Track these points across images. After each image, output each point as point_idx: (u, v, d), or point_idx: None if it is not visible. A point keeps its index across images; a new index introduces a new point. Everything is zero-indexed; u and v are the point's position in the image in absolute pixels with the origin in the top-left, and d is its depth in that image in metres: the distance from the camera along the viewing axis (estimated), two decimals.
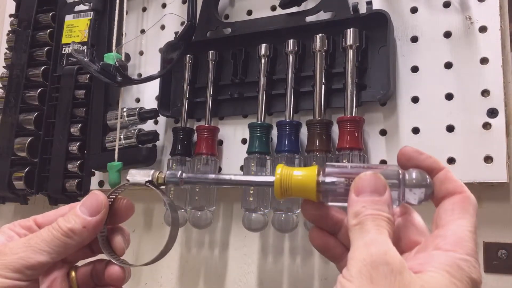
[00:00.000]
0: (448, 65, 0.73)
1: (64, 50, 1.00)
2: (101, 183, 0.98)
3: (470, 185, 0.66)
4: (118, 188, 0.53)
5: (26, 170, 0.96)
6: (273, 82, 0.83)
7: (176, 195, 0.83)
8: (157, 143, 0.93)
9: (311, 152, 0.74)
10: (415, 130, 0.74)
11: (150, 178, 0.52)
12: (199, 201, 0.81)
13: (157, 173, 0.52)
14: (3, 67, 1.07)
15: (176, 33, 0.90)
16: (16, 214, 1.12)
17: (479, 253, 0.68)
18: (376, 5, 0.78)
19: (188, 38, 0.86)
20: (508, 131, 0.68)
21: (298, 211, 0.75)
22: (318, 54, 0.77)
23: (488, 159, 0.68)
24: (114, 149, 0.87)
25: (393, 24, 0.76)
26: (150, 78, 0.86)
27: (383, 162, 0.75)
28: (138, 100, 0.99)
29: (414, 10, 0.77)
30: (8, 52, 1.06)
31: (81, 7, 1.01)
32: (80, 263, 0.55)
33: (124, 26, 0.94)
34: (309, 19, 0.81)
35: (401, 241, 0.45)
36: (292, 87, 0.78)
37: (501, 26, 0.71)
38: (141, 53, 1.01)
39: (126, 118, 0.90)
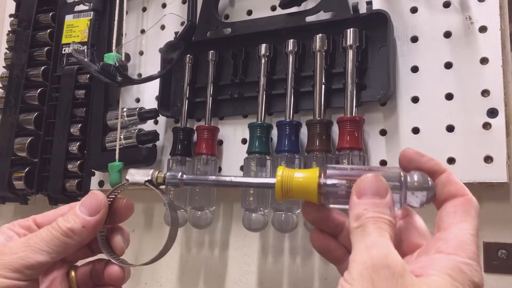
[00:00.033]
0: (448, 65, 0.73)
1: (64, 50, 1.00)
2: (101, 183, 0.98)
3: (470, 185, 0.66)
4: (117, 188, 0.53)
5: (26, 170, 0.96)
6: (273, 82, 0.83)
7: (176, 195, 0.83)
8: (157, 143, 0.93)
9: (311, 152, 0.74)
10: (415, 130, 0.74)
11: (149, 178, 0.52)
12: (199, 201, 0.81)
13: (157, 173, 0.52)
14: (3, 67, 1.07)
15: (176, 33, 0.90)
16: (16, 214, 1.12)
17: (479, 253, 0.68)
18: (376, 5, 0.78)
19: (188, 38, 0.86)
20: (508, 131, 0.68)
21: (298, 211, 0.75)
22: (318, 54, 0.77)
23: (488, 159, 0.68)
24: (114, 149, 0.87)
25: (393, 24, 0.76)
26: (150, 78, 0.86)
27: (383, 162, 0.75)
28: (138, 100, 0.99)
29: (414, 10, 0.77)
30: (8, 52, 1.06)
31: (81, 7, 1.01)
32: (79, 262, 0.55)
33: (124, 26, 0.94)
34: (309, 19, 0.81)
35: (403, 243, 0.45)
36: (292, 87, 0.78)
37: (501, 26, 0.71)
38: (141, 53, 1.01)
39: (126, 118, 0.90)
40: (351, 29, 0.75)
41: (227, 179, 0.52)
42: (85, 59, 0.82)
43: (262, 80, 0.81)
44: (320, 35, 0.77)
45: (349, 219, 0.42)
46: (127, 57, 0.99)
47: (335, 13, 0.79)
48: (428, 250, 0.41)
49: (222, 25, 0.89)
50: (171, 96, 0.93)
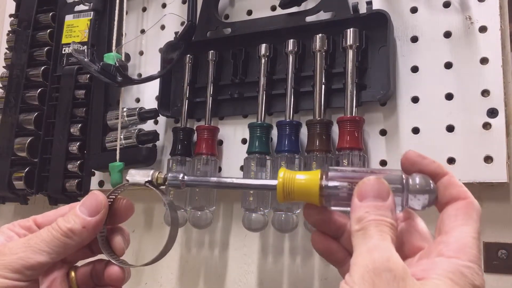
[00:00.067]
0: (448, 65, 0.73)
1: (64, 50, 1.00)
2: (101, 183, 0.98)
3: (470, 185, 0.66)
4: (117, 188, 0.53)
5: (26, 170, 0.96)
6: (273, 82, 0.83)
7: (176, 195, 0.83)
8: (157, 143, 0.93)
9: (311, 152, 0.74)
10: (415, 130, 0.74)
11: (149, 178, 0.52)
12: (199, 201, 0.81)
13: (157, 173, 0.52)
14: (3, 67, 1.07)
15: (176, 33, 0.90)
16: (16, 214, 1.12)
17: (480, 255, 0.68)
18: (376, 5, 0.78)
19: (188, 38, 0.86)
20: (508, 131, 0.68)
21: (298, 211, 0.75)
22: (318, 54, 0.77)
23: (488, 159, 0.68)
24: (114, 149, 0.87)
25: (393, 24, 0.76)
26: (150, 78, 0.86)
27: (383, 162, 0.75)
28: (138, 100, 0.99)
29: (414, 10, 0.77)
30: (8, 52, 1.06)
31: (81, 7, 1.01)
32: (79, 263, 0.55)
33: (124, 26, 0.94)
34: (309, 19, 0.81)
35: (404, 246, 0.45)
36: (292, 87, 0.78)
37: (501, 26, 0.71)
38: (141, 53, 1.01)
39: (126, 118, 0.90)
40: (351, 29, 0.75)
41: (229, 180, 0.52)
42: (85, 59, 0.82)
43: (262, 80, 0.82)
44: (320, 35, 0.77)
45: (351, 222, 0.42)
46: (127, 57, 0.99)
47: (335, 13, 0.79)
48: (430, 253, 0.41)
49: (222, 25, 0.89)
50: (171, 96, 0.93)
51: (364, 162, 0.72)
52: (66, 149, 0.94)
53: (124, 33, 0.95)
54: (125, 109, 0.90)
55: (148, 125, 0.94)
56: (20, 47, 1.02)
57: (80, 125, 0.94)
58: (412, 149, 0.67)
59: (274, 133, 0.80)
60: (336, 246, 0.51)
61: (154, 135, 0.89)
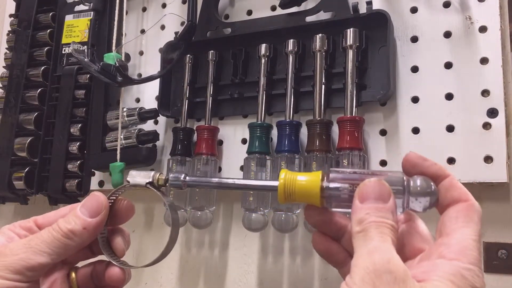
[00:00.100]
0: (448, 65, 0.73)
1: (64, 50, 1.00)
2: (101, 183, 0.98)
3: (470, 185, 0.67)
4: (118, 189, 0.53)
5: (26, 170, 0.95)
6: (273, 82, 0.83)
7: (176, 195, 0.83)
8: (157, 143, 0.93)
9: (311, 152, 0.74)
10: (415, 130, 0.74)
11: (150, 180, 0.52)
12: (199, 201, 0.81)
13: (158, 175, 0.53)
14: (3, 67, 1.07)
15: (176, 33, 0.90)
16: (16, 214, 1.12)
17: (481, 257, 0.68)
18: (376, 5, 0.78)
19: (188, 38, 0.86)
20: (508, 131, 0.68)
21: (298, 211, 0.75)
22: (318, 54, 0.77)
23: (488, 159, 0.68)
24: (114, 149, 0.87)
25: (393, 24, 0.76)
26: (150, 78, 0.86)
27: (383, 162, 0.75)
28: (138, 100, 0.99)
29: (414, 10, 0.77)
30: (8, 52, 1.06)
31: (81, 7, 1.01)
32: (80, 264, 0.55)
33: (124, 26, 0.94)
34: (309, 19, 0.81)
35: (405, 248, 0.45)
36: (292, 87, 0.78)
37: (501, 26, 0.71)
38: (141, 53, 1.01)
39: (126, 118, 0.90)
40: (351, 29, 0.75)
41: (230, 181, 0.52)
42: (85, 59, 0.82)
43: (262, 80, 0.82)
44: (320, 35, 0.77)
45: (352, 223, 0.42)
46: (127, 57, 0.99)
47: (335, 13, 0.79)
48: (430, 255, 0.41)
49: (222, 25, 0.89)
50: (171, 96, 0.93)
51: (364, 162, 0.72)
52: (66, 149, 0.94)
53: (124, 33, 0.94)
54: (125, 109, 0.90)
55: (148, 125, 0.94)
56: (20, 47, 1.02)
57: (80, 125, 0.94)
58: (412, 149, 0.67)
59: (274, 133, 0.80)
60: (336, 247, 0.51)
61: (154, 135, 0.89)
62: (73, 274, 0.53)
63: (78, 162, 0.93)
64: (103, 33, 0.95)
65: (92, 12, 0.96)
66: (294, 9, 0.83)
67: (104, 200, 0.51)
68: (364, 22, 0.76)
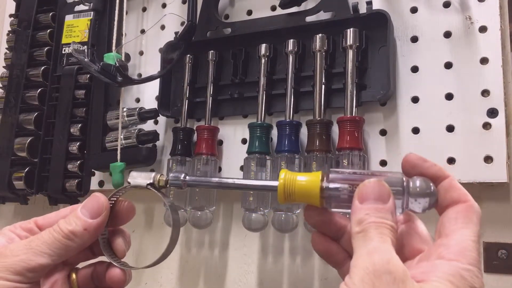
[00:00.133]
0: (448, 65, 0.73)
1: (64, 50, 1.00)
2: (101, 183, 0.98)
3: (470, 185, 0.67)
4: (119, 191, 0.54)
5: (26, 170, 0.95)
6: (273, 82, 0.83)
7: (176, 195, 0.83)
8: (157, 143, 0.93)
9: (311, 152, 0.74)
10: (415, 130, 0.74)
11: (151, 181, 0.52)
12: (199, 201, 0.82)
13: (158, 176, 0.53)
14: (3, 67, 1.07)
15: (176, 33, 0.90)
16: (16, 214, 1.12)
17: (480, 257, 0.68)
18: (376, 5, 0.78)
19: (188, 38, 0.86)
20: (508, 131, 0.68)
21: (298, 211, 0.75)
22: (318, 54, 0.77)
23: (488, 159, 0.68)
24: (114, 149, 0.87)
25: (393, 24, 0.76)
26: (150, 78, 0.86)
27: (383, 162, 0.75)
28: (138, 100, 0.99)
29: (414, 10, 0.77)
30: (8, 52, 1.06)
31: (81, 7, 1.01)
32: (80, 265, 0.55)
33: (124, 26, 0.94)
34: (309, 19, 0.81)
35: (404, 248, 0.45)
36: (292, 87, 0.78)
37: (501, 26, 0.71)
38: (141, 53, 1.01)
39: (126, 118, 0.90)
40: (351, 29, 0.75)
41: (230, 181, 0.52)
42: (85, 59, 0.82)
43: (262, 80, 0.82)
44: (320, 35, 0.77)
45: (351, 224, 0.42)
46: (127, 57, 0.99)
47: (335, 13, 0.79)
48: (430, 256, 0.41)
49: (222, 25, 0.89)
50: (171, 96, 0.93)
51: (364, 162, 0.72)
52: (66, 149, 0.94)
53: (124, 33, 0.94)
54: (125, 109, 0.90)
55: (148, 125, 0.94)
56: (20, 47, 1.02)
57: (80, 125, 0.94)
58: (412, 149, 0.68)
59: (274, 133, 0.80)
60: (336, 248, 0.51)
61: (154, 135, 0.89)
62: (74, 275, 0.53)
63: (78, 162, 0.93)
64: (103, 33, 0.95)
65: (92, 12, 0.96)
66: (294, 9, 0.83)
67: (105, 201, 0.51)
68: (364, 22, 0.76)
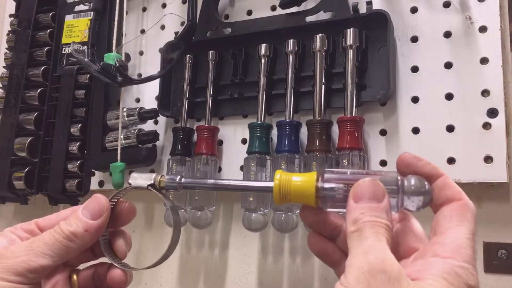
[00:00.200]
0: (448, 65, 0.73)
1: (64, 50, 1.00)
2: (101, 183, 0.98)
3: (470, 185, 0.67)
4: (120, 192, 0.54)
5: (26, 170, 0.96)
6: (273, 82, 0.83)
7: (176, 195, 0.83)
8: (157, 143, 0.93)
9: (311, 152, 0.74)
10: (415, 130, 0.74)
11: (152, 182, 0.52)
12: (199, 201, 0.82)
13: (159, 177, 0.53)
14: (3, 67, 1.07)
15: (176, 33, 0.90)
16: (16, 214, 1.12)
17: (479, 253, 0.68)
18: (376, 5, 0.78)
19: (188, 38, 0.86)
20: (508, 131, 0.69)
21: (298, 211, 0.75)
22: (318, 54, 0.77)
23: (488, 159, 0.68)
24: (114, 149, 0.88)
25: (393, 24, 0.76)
26: (150, 78, 0.86)
27: (383, 162, 0.75)
28: (138, 100, 0.99)
29: (414, 10, 0.77)
30: (8, 52, 1.06)
31: (81, 7, 1.01)
32: (81, 266, 0.55)
33: (124, 26, 0.94)
34: (309, 19, 0.81)
35: (400, 247, 0.45)
36: (292, 87, 0.79)
37: (501, 26, 0.71)
38: (141, 53, 1.01)
39: (126, 118, 0.90)
40: (351, 29, 0.75)
41: (226, 182, 0.53)
42: (85, 59, 0.82)
43: (262, 80, 0.82)
44: (320, 35, 0.77)
45: (346, 223, 0.42)
46: (127, 57, 0.99)
47: (335, 13, 0.79)
48: (425, 254, 0.41)
49: (222, 25, 0.89)
50: (171, 96, 0.93)
51: (364, 162, 0.72)
52: (66, 149, 0.94)
53: (124, 33, 0.95)
54: (125, 109, 0.90)
55: (148, 125, 0.94)
56: (20, 47, 1.02)
57: (80, 125, 0.94)
58: (412, 149, 0.68)
59: (274, 133, 0.80)
60: (332, 247, 0.51)
61: (154, 135, 0.89)
62: (75, 276, 0.53)
63: (78, 162, 0.94)
64: (103, 33, 0.95)
65: (92, 12, 0.96)
66: (294, 9, 0.83)
67: (105, 202, 0.51)
68: (364, 22, 0.76)
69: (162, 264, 0.53)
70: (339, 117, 0.74)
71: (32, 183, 0.96)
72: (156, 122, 0.95)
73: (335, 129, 0.76)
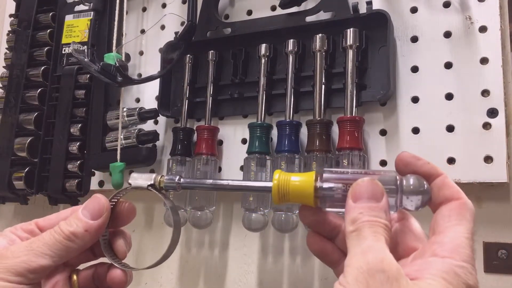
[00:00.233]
0: (448, 65, 0.73)
1: (64, 50, 1.00)
2: (101, 183, 0.98)
3: (470, 185, 0.67)
4: (120, 192, 0.54)
5: (26, 170, 0.96)
6: (273, 82, 0.83)
7: (176, 195, 0.83)
8: (157, 143, 0.93)
9: (311, 152, 0.74)
10: (415, 130, 0.74)
11: (152, 182, 0.52)
12: (199, 201, 0.82)
13: (159, 177, 0.53)
14: (3, 67, 1.07)
15: (176, 33, 0.90)
16: (16, 214, 1.12)
17: (479, 253, 0.68)
18: (376, 5, 0.78)
19: (188, 38, 0.86)
20: (508, 131, 0.69)
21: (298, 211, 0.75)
22: (318, 54, 0.77)
23: (488, 159, 0.68)
24: (114, 149, 0.87)
25: (393, 24, 0.76)
26: (150, 78, 0.86)
27: (383, 162, 0.75)
28: (138, 100, 0.99)
29: (414, 10, 0.77)
30: (8, 52, 1.06)
31: (81, 7, 1.01)
32: (81, 266, 0.55)
33: (124, 26, 0.94)
34: (309, 19, 0.81)
35: (398, 246, 0.45)
36: (292, 87, 0.79)
37: (501, 26, 0.71)
38: (141, 53, 1.01)
39: (126, 118, 0.90)
40: (351, 29, 0.75)
41: (224, 182, 0.52)
42: (85, 59, 0.82)
43: (262, 80, 0.82)
44: (320, 35, 0.77)
45: (345, 223, 0.42)
46: (127, 57, 0.99)
47: (335, 13, 0.79)
48: (424, 253, 0.41)
49: (222, 25, 0.89)
50: (171, 96, 0.93)
51: (364, 162, 0.72)
52: (66, 149, 0.94)
53: (124, 33, 0.95)
54: (125, 109, 0.90)
55: (148, 125, 0.94)
56: (20, 47, 1.02)
57: (80, 125, 0.94)
58: (412, 149, 0.68)
59: (274, 133, 0.80)
60: (331, 247, 0.51)
61: (154, 135, 0.89)
62: (75, 277, 0.53)
63: (78, 162, 0.94)
64: (103, 33, 0.95)
65: (92, 12, 0.96)
66: (294, 9, 0.83)
67: (105, 202, 0.51)
68: (364, 22, 0.76)
69: (162, 264, 0.53)
70: (339, 117, 0.74)
71: (32, 183, 0.96)
72: (156, 122, 0.95)
73: (335, 129, 0.76)
